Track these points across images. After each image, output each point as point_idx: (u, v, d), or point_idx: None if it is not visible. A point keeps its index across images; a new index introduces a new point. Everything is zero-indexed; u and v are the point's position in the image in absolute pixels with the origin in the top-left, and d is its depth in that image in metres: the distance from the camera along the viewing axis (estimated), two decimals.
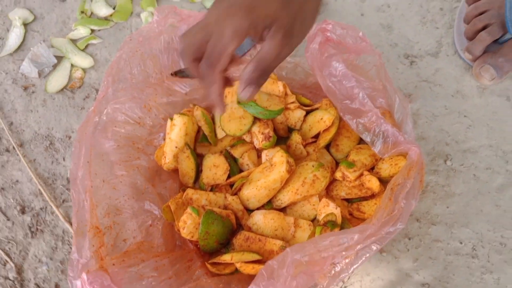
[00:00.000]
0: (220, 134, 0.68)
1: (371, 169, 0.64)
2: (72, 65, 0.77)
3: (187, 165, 0.66)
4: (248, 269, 0.57)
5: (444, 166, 0.65)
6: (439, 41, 0.75)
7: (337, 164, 0.66)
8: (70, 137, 0.73)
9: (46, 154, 0.72)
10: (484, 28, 0.70)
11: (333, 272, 0.55)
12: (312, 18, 0.49)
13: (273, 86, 0.68)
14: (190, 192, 0.62)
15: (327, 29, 0.63)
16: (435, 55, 0.74)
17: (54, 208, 0.67)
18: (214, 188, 0.65)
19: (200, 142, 0.69)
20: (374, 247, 0.54)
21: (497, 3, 0.69)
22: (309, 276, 0.51)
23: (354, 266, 0.53)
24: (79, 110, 0.75)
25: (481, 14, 0.70)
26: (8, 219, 0.68)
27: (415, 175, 0.55)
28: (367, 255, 0.53)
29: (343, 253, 0.52)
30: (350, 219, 0.62)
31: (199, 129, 0.69)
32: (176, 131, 0.65)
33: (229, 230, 0.60)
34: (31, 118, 0.74)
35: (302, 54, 0.76)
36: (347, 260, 0.55)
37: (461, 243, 0.59)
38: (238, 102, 0.66)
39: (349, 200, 0.64)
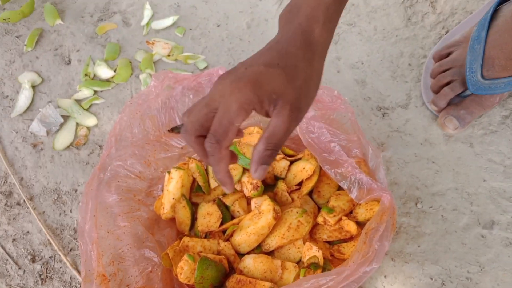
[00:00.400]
0: (213, 184, 0.76)
1: (350, 213, 0.71)
2: (77, 124, 0.85)
3: (184, 214, 0.72)
4: None
5: (415, 208, 0.72)
6: (408, 94, 0.84)
7: (319, 209, 0.73)
8: (76, 190, 0.80)
9: (54, 206, 0.78)
10: (448, 83, 0.78)
11: None
12: (315, 90, 0.50)
13: None
14: (186, 239, 0.68)
15: None
16: (405, 107, 0.82)
17: (62, 256, 0.73)
18: (208, 234, 0.72)
19: (195, 192, 0.76)
20: (353, 286, 0.60)
21: (459, 62, 0.78)
22: None
23: None
24: (84, 165, 0.82)
25: (445, 71, 0.79)
26: (20, 268, 0.74)
27: (388, 219, 0.62)
28: None
29: None
30: (331, 259, 0.69)
31: (194, 180, 0.76)
32: (173, 184, 0.73)
33: (222, 273, 0.67)
34: (40, 174, 0.82)
35: None
36: None
37: (431, 279, 0.66)
38: None
39: (330, 243, 0.70)
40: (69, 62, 0.92)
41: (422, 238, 0.69)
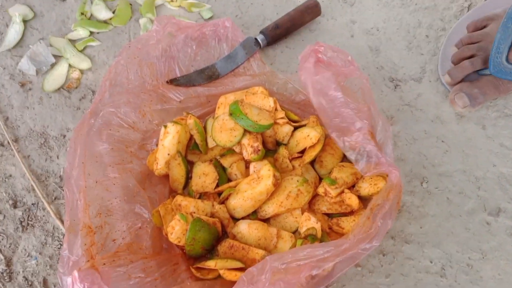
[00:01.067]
0: (211, 143, 0.71)
1: (352, 187, 0.67)
2: (69, 66, 0.79)
3: (178, 172, 0.68)
4: (230, 276, 0.60)
5: (420, 188, 0.69)
6: (423, 67, 0.79)
7: (320, 179, 0.70)
8: (64, 136, 0.75)
9: (40, 151, 0.74)
10: (470, 57, 0.74)
11: (311, 283, 0.59)
12: None
13: (264, 101, 0.71)
14: (179, 198, 0.65)
15: (319, 50, 0.67)
16: (419, 80, 0.78)
17: (46, 204, 0.69)
18: (202, 195, 0.68)
19: (191, 150, 0.72)
20: (350, 262, 0.58)
21: (491, 38, 0.73)
22: (286, 284, 0.54)
23: (332, 279, 0.57)
24: (74, 110, 0.77)
25: (473, 43, 0.74)
26: (0, 213, 0.70)
27: (394, 197, 0.59)
28: (344, 269, 0.57)
29: (320, 264, 0.55)
30: (329, 233, 0.66)
31: (191, 137, 0.72)
32: (169, 139, 0.68)
33: (215, 237, 0.63)
34: (26, 115, 0.76)
35: (293, 71, 0.80)
36: (324, 273, 0.59)
37: (431, 262, 0.63)
38: (230, 114, 0.69)
39: (329, 215, 0.67)
40: None
41: (425, 219, 0.66)
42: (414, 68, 0.79)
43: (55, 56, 0.80)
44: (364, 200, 0.67)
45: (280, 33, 0.80)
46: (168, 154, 0.68)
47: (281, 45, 0.82)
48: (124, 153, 0.70)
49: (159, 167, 0.68)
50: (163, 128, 0.70)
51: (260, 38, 0.79)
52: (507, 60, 0.68)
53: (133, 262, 0.60)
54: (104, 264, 0.57)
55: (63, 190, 0.71)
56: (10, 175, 0.72)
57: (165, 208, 0.64)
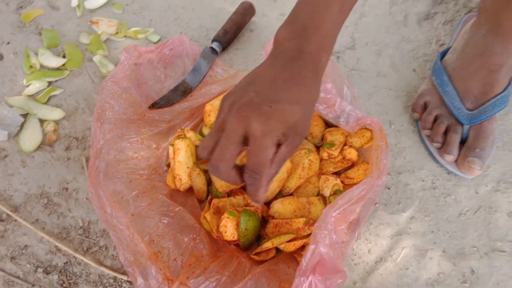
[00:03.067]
0: None
1: (345, 145, 0.79)
2: (40, 120, 0.77)
3: (200, 181, 0.73)
4: (290, 247, 0.67)
5: (391, 129, 0.84)
6: (352, 37, 0.94)
7: (316, 147, 0.80)
8: (67, 189, 0.73)
9: (48, 211, 0.71)
10: (447, 129, 0.80)
11: (349, 230, 0.69)
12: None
13: None
14: (215, 201, 0.70)
15: None
16: (353, 48, 0.93)
17: (81, 257, 0.68)
18: (230, 194, 0.74)
19: (198, 160, 0.77)
20: (371, 202, 0.69)
21: (442, 105, 0.81)
22: (338, 232, 0.64)
23: (363, 221, 0.68)
24: (65, 161, 0.75)
25: (436, 118, 0.82)
26: (33, 285, 0.66)
27: (382, 139, 0.72)
28: (368, 210, 0.68)
29: (357, 204, 0.65)
30: (344, 186, 0.77)
31: (195, 148, 0.77)
32: (183, 154, 0.72)
33: (260, 223, 0.70)
34: (15, 182, 0.73)
35: (251, 68, 0.88)
36: (357, 216, 0.70)
37: (423, 181, 0.79)
38: None
39: (336, 173, 0.79)
40: (1, 57, 0.81)
41: (404, 151, 0.81)
42: (345, 39, 0.94)
43: (22, 116, 0.76)
44: (358, 152, 0.79)
45: (229, 37, 0.88)
46: (188, 167, 0.72)
47: (232, 48, 0.90)
48: (143, 181, 0.72)
49: (183, 182, 0.72)
50: (170, 147, 0.73)
51: (215, 45, 0.86)
52: (468, 109, 0.79)
53: (206, 268, 0.64)
54: (188, 278, 0.60)
55: (91, 240, 0.70)
56: (26, 246, 0.69)
57: (210, 214, 0.68)
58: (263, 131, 0.53)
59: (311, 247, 0.60)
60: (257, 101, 0.53)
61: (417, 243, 0.73)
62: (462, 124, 0.80)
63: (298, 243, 0.67)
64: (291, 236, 0.68)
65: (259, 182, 0.55)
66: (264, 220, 0.73)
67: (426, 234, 0.74)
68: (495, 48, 0.79)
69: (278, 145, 0.55)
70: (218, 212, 0.69)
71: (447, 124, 0.81)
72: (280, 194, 0.74)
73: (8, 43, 0.82)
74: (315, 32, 0.56)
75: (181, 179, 0.72)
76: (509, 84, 0.81)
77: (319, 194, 0.76)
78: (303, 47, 0.56)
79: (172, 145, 0.73)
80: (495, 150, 0.83)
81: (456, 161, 0.80)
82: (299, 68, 0.56)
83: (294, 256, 0.69)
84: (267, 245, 0.67)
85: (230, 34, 0.88)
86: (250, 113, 0.53)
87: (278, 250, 0.69)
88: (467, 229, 0.75)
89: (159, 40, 0.89)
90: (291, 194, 0.75)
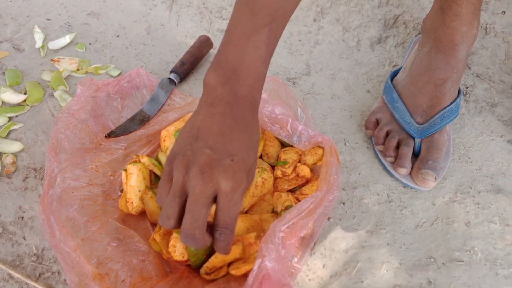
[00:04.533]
0: None
1: (299, 162, 0.81)
2: (0, 153, 0.79)
3: (153, 204, 0.74)
4: (240, 271, 0.66)
5: (345, 147, 0.85)
6: (307, 63, 0.98)
7: (272, 167, 0.81)
8: (22, 218, 0.74)
9: (3, 240, 0.72)
10: (398, 143, 0.82)
11: (302, 245, 0.69)
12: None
13: None
14: None
15: None
16: (308, 74, 0.96)
17: (33, 283, 0.68)
18: None
19: (154, 184, 0.78)
20: (324, 216, 0.69)
21: (393, 121, 0.84)
22: (288, 246, 0.64)
23: (316, 236, 0.68)
24: (22, 191, 0.77)
25: (387, 133, 0.84)
26: None
27: (334, 155, 0.73)
28: (321, 224, 0.68)
29: (307, 219, 0.65)
30: (299, 202, 0.77)
31: (149, 173, 0.78)
32: (135, 178, 0.73)
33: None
34: None
35: None
36: (309, 231, 0.70)
37: (378, 195, 0.79)
38: None
39: (291, 191, 0.79)
40: None
41: (359, 167, 0.82)
42: (301, 66, 0.97)
43: None
44: (312, 169, 0.80)
45: (187, 68, 0.91)
46: (139, 191, 0.73)
47: (191, 79, 0.93)
48: (95, 207, 0.73)
49: (134, 205, 0.72)
50: (123, 173, 0.75)
51: (173, 76, 0.89)
52: (418, 124, 0.81)
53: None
54: None
55: (44, 266, 0.70)
56: None
57: (159, 234, 0.69)
58: (233, 186, 0.52)
59: (258, 261, 0.60)
60: (216, 158, 0.53)
61: (372, 256, 0.72)
62: (413, 138, 0.82)
63: (249, 267, 0.67)
64: (236, 254, 0.67)
65: (231, 236, 0.56)
66: None
67: (382, 246, 0.73)
68: (438, 63, 0.82)
69: None
70: (169, 233, 0.70)
71: (398, 139, 0.82)
72: None
73: None
74: (246, 76, 0.56)
75: (132, 202, 0.73)
76: (457, 97, 0.83)
77: (273, 212, 0.76)
78: (238, 92, 0.56)
79: (125, 170, 0.75)
80: (452, 162, 0.84)
81: (410, 174, 0.81)
82: (239, 114, 0.56)
83: (247, 274, 0.69)
84: (215, 262, 0.67)
85: (188, 65, 0.92)
86: (215, 172, 0.52)
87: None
88: (424, 241, 0.75)
89: (119, 74, 0.93)
90: (246, 213, 0.76)
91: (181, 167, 0.54)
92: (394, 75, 0.89)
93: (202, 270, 0.67)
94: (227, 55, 0.57)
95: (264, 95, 0.78)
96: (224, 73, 0.56)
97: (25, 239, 0.72)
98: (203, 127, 0.55)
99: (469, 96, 0.92)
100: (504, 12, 0.98)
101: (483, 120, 0.89)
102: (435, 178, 0.79)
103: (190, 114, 0.82)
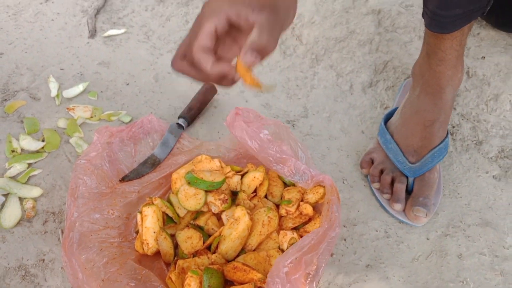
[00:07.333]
0: (181, 212, 0.84)
1: (301, 201, 0.86)
2: (20, 198, 0.84)
3: (167, 245, 0.79)
4: None
5: (343, 185, 0.91)
6: (304, 106, 1.05)
7: (276, 205, 0.87)
8: (43, 260, 0.79)
9: (25, 282, 0.76)
10: (392, 180, 0.88)
11: (308, 279, 0.74)
12: None
13: (211, 164, 0.87)
14: (180, 262, 0.75)
15: (239, 113, 0.86)
16: (306, 116, 1.03)
17: None
18: (195, 255, 0.79)
19: (166, 225, 0.83)
20: (327, 252, 0.75)
21: (387, 160, 0.90)
22: (293, 282, 0.68)
23: (320, 272, 0.73)
24: (43, 234, 0.81)
25: (381, 171, 0.90)
26: None
27: (334, 194, 0.79)
28: (325, 260, 0.74)
29: (311, 254, 0.70)
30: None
31: (162, 214, 0.83)
32: (150, 219, 0.79)
33: (223, 280, 0.75)
34: None
35: (215, 138, 0.98)
36: (314, 268, 0.75)
37: (377, 231, 0.85)
38: (188, 183, 0.82)
39: (295, 228, 0.85)
40: None
41: (358, 204, 0.88)
42: (299, 109, 1.05)
43: (3, 195, 0.84)
44: (314, 208, 0.86)
45: (194, 113, 0.98)
46: (154, 232, 0.78)
47: (198, 123, 1.00)
48: (112, 248, 0.78)
49: (150, 246, 0.77)
50: (138, 215, 0.80)
51: (181, 121, 0.96)
52: (410, 163, 0.87)
53: None
54: None
55: None
56: None
57: (174, 274, 0.73)
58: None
59: None
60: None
61: None
62: (407, 177, 0.88)
63: None
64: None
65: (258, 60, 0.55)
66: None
67: (382, 280, 0.79)
68: (427, 106, 0.89)
69: None
70: (183, 272, 0.74)
71: (392, 176, 0.89)
72: (243, 252, 0.80)
73: None
74: None
75: (148, 243, 0.78)
76: (446, 137, 0.91)
77: (279, 249, 0.81)
78: None
79: (140, 212, 0.80)
80: (443, 198, 0.90)
81: (404, 210, 0.87)
82: None
83: None
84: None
85: (195, 111, 0.98)
86: None
87: None
88: (421, 273, 0.80)
89: (130, 120, 0.99)
90: (253, 251, 0.81)
91: None
92: (388, 117, 0.96)
93: None
94: None
95: (268, 136, 0.85)
96: None
97: (46, 281, 0.76)
98: None
99: (456, 135, 1.00)
100: (484, 57, 1.07)
101: (470, 157, 0.96)
102: (426, 214, 0.85)
103: (199, 157, 0.89)
